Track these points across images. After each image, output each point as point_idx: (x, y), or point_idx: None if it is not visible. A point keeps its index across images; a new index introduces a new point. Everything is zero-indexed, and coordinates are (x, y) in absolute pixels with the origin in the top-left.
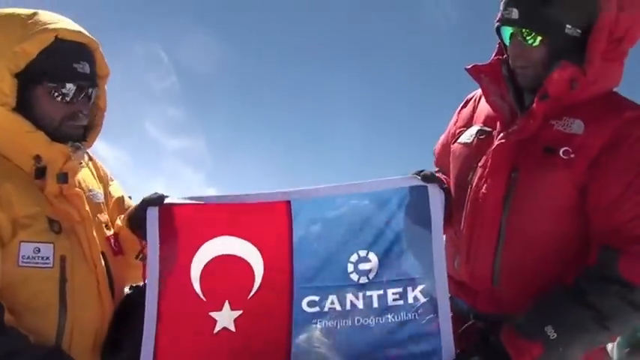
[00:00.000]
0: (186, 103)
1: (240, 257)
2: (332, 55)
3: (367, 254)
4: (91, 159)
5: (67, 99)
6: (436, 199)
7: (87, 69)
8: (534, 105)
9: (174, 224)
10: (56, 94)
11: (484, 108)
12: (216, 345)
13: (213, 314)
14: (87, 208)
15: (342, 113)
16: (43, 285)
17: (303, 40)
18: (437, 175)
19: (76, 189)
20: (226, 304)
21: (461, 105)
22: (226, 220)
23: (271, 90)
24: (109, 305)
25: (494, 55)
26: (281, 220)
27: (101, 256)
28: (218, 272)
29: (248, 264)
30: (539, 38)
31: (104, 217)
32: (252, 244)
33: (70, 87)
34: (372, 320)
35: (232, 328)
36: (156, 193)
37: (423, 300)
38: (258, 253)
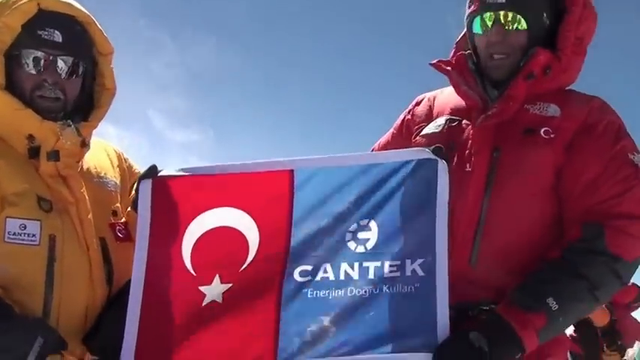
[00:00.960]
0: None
1: (234, 229)
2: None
3: (368, 223)
4: (117, 152)
5: (29, 68)
6: (444, 174)
7: (57, 37)
8: (516, 86)
9: (168, 197)
10: (22, 63)
11: (446, 102)
12: (203, 318)
13: (202, 288)
14: (83, 190)
15: (359, 105)
16: (30, 263)
17: (315, 34)
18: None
19: (72, 171)
20: (216, 278)
21: (412, 105)
22: (223, 191)
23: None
24: (101, 290)
25: (453, 53)
26: (282, 189)
27: (99, 240)
28: (210, 246)
29: (243, 236)
30: (523, 22)
31: (114, 204)
32: (250, 214)
33: (33, 55)
34: (366, 291)
35: (220, 300)
36: (150, 166)
37: (421, 274)
38: (254, 224)
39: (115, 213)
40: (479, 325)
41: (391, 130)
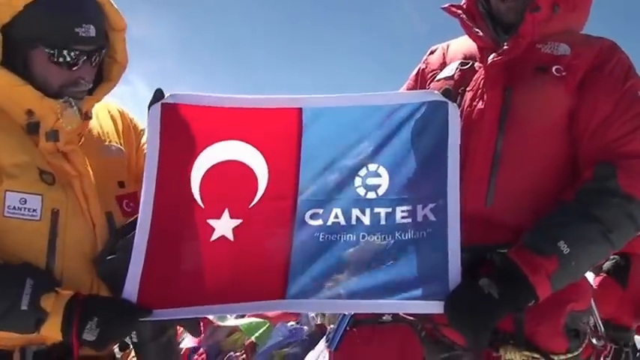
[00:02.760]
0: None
1: (243, 163)
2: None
3: (377, 169)
4: (122, 112)
5: (65, 65)
6: (455, 117)
7: (92, 31)
8: (524, 23)
9: (177, 124)
10: (55, 60)
11: (458, 49)
12: (212, 253)
13: (211, 222)
14: (87, 164)
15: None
16: (31, 237)
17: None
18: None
19: (73, 146)
20: (226, 212)
21: (426, 55)
22: (233, 123)
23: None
24: None
25: None
26: (291, 127)
27: (105, 215)
28: (220, 178)
29: (252, 171)
30: None
31: (120, 174)
32: (258, 150)
33: (71, 54)
34: (377, 237)
35: (231, 237)
36: (156, 90)
37: (432, 219)
38: (263, 160)
39: (122, 184)
40: (491, 270)
41: (407, 81)
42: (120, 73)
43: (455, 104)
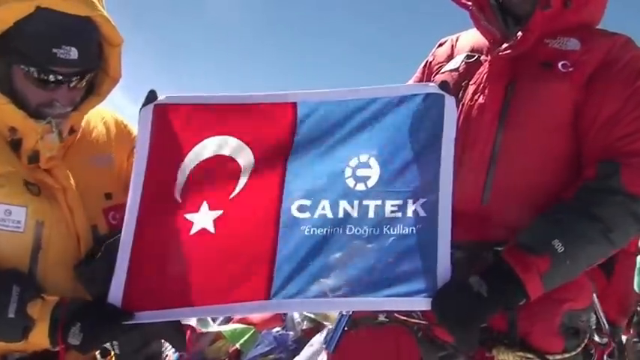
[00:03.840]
0: None
1: (229, 157)
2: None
3: (368, 159)
4: (117, 120)
5: (40, 85)
6: (451, 111)
7: (72, 54)
8: (534, 18)
9: (168, 125)
10: (31, 78)
11: (467, 41)
12: (193, 248)
13: (188, 216)
14: (70, 178)
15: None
16: (14, 249)
17: None
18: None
19: (55, 162)
20: (204, 205)
21: (435, 47)
22: (224, 120)
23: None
24: None
25: None
26: (285, 122)
27: (90, 229)
28: (204, 174)
29: (236, 164)
30: None
31: (107, 185)
32: (246, 143)
33: (46, 76)
34: (365, 231)
35: (212, 229)
36: (149, 92)
37: (422, 214)
38: (250, 152)
39: (108, 195)
40: (482, 268)
41: (415, 74)
42: (110, 87)
43: (451, 97)
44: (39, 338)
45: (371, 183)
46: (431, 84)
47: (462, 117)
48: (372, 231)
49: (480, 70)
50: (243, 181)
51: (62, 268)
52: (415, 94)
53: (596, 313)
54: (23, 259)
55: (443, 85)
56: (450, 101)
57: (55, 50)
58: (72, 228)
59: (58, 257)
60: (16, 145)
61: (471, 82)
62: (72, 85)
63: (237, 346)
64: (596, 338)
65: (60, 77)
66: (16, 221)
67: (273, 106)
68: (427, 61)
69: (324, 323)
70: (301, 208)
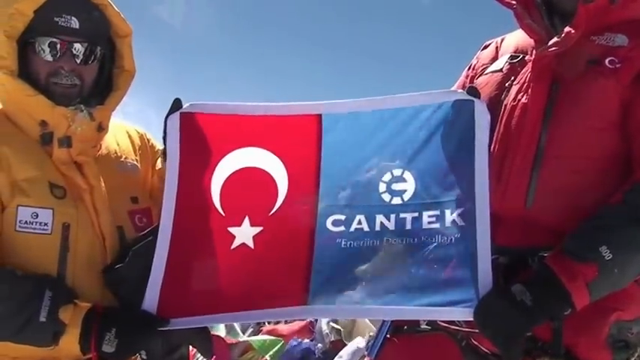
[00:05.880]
0: None
1: (263, 170)
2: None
3: (402, 173)
4: (139, 132)
5: (45, 55)
6: (482, 116)
7: (73, 23)
8: (578, 14)
9: (196, 133)
10: (37, 50)
11: (511, 43)
12: (232, 261)
13: (231, 229)
14: (99, 176)
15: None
16: (42, 252)
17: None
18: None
19: (86, 157)
20: (246, 220)
21: (479, 50)
22: (252, 131)
23: None
24: None
25: None
26: (310, 134)
27: (116, 229)
28: (239, 186)
29: (272, 178)
30: None
31: (133, 189)
32: (278, 156)
33: (49, 42)
34: (402, 241)
35: (251, 244)
36: (174, 100)
37: (461, 223)
38: (283, 167)
39: (135, 199)
40: (526, 276)
41: (461, 77)
42: (128, 81)
43: (481, 101)
44: (69, 344)
45: (407, 196)
46: (459, 91)
47: (504, 118)
48: (410, 241)
49: (524, 70)
50: (281, 197)
51: (90, 271)
52: (443, 102)
53: None
54: (52, 262)
55: (471, 90)
56: (480, 106)
57: (56, 19)
58: (97, 229)
59: (85, 258)
60: (47, 138)
61: (514, 83)
62: (75, 53)
63: (267, 357)
64: None
65: (65, 46)
66: (43, 223)
67: (298, 118)
68: (471, 64)
69: (345, 342)
70: (336, 223)
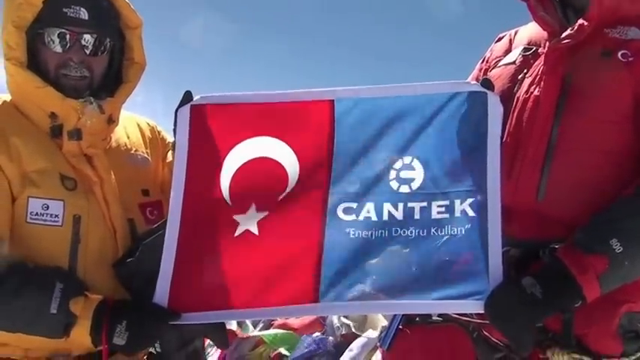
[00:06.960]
0: None
1: (273, 159)
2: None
3: (412, 161)
4: (150, 125)
5: (54, 46)
6: (495, 108)
7: (82, 14)
8: (592, 6)
9: (206, 124)
10: (46, 41)
11: (525, 35)
12: (236, 250)
13: (236, 217)
14: (109, 169)
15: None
16: (53, 244)
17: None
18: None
19: (96, 150)
20: (252, 207)
21: (493, 42)
22: (262, 120)
23: None
24: None
25: None
26: (322, 119)
27: (127, 222)
28: (249, 176)
29: (281, 166)
30: None
31: (144, 182)
32: (289, 145)
33: (58, 33)
34: (412, 233)
35: (255, 230)
36: (185, 92)
37: (471, 214)
38: (293, 154)
39: (146, 192)
40: (537, 268)
41: (474, 70)
42: (138, 73)
43: (494, 94)
44: (80, 336)
45: (415, 185)
46: (473, 82)
47: (517, 110)
48: (418, 232)
49: (536, 63)
50: (291, 184)
51: (101, 263)
52: (457, 93)
53: None
54: (63, 254)
55: (485, 82)
56: (493, 98)
57: (65, 10)
58: (108, 221)
59: (96, 250)
60: (57, 131)
61: (527, 75)
62: (85, 44)
63: (283, 349)
64: None
65: (74, 37)
66: (54, 215)
67: (309, 104)
68: (484, 57)
69: (357, 333)
70: (347, 211)
